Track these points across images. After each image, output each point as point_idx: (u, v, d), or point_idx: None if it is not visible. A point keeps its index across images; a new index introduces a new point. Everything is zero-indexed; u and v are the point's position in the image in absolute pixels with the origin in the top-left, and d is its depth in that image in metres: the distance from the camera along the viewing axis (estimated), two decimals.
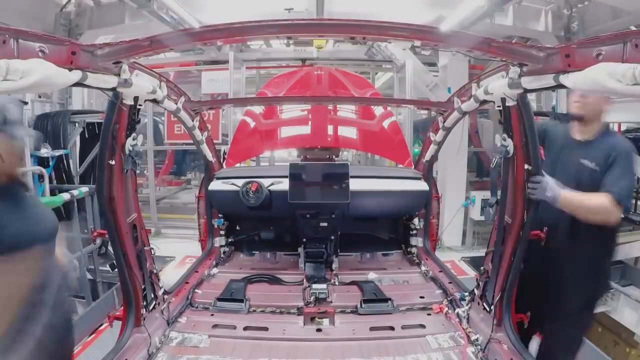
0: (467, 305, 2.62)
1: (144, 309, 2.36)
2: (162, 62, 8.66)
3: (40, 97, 7.02)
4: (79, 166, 6.75)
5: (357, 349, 2.36)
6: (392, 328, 2.58)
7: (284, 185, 3.42)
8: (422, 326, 2.59)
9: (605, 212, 2.19)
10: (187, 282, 3.11)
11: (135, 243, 2.32)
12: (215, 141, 3.95)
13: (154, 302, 2.49)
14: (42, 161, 5.67)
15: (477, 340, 2.33)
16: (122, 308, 2.34)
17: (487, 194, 3.23)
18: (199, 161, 9.99)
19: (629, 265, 5.70)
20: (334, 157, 3.99)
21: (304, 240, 3.55)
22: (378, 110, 4.46)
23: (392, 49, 7.09)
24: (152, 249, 2.55)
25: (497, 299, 2.30)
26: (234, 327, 2.58)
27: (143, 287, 2.37)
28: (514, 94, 1.90)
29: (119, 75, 1.77)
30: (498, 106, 2.11)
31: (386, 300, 2.85)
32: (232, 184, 3.50)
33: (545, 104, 8.11)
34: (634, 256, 5.70)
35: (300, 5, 6.57)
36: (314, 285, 2.91)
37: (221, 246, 3.84)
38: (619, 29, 5.39)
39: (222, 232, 3.84)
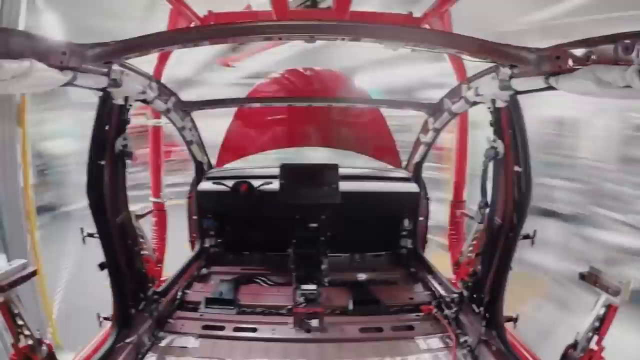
0: (456, 306, 2.62)
1: (133, 309, 2.33)
2: None
3: None
4: None
5: (347, 350, 2.37)
6: (381, 329, 2.59)
7: (274, 185, 3.40)
8: (411, 328, 2.60)
9: None
10: (176, 283, 3.08)
11: (124, 243, 2.30)
12: None
13: (143, 303, 2.46)
14: None
15: (466, 342, 2.34)
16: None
17: None
18: None
19: None
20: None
21: (294, 241, 3.53)
22: (368, 111, 4.46)
23: None
24: (143, 249, 2.51)
25: (487, 300, 2.31)
26: (224, 328, 2.56)
27: (132, 287, 2.34)
28: (505, 95, 1.91)
29: (109, 75, 1.76)
30: (488, 107, 2.12)
31: (376, 301, 2.86)
32: (222, 184, 3.48)
33: None
34: None
35: None
36: (304, 286, 2.90)
37: (211, 246, 3.81)
38: None
39: (211, 233, 3.81)
